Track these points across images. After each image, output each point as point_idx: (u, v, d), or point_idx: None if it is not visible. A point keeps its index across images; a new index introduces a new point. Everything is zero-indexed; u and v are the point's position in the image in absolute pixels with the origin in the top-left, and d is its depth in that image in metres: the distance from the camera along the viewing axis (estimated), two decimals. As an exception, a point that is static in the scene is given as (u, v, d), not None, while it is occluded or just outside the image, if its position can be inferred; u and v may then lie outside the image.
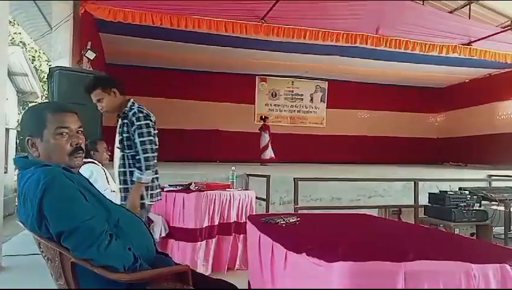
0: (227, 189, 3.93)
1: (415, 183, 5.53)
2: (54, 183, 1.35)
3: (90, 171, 3.43)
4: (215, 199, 3.64)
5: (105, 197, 1.58)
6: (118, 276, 1.34)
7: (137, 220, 1.67)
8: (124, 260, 1.37)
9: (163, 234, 3.63)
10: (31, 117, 1.55)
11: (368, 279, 1.16)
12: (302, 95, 13.45)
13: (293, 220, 1.93)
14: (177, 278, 1.48)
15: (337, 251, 1.32)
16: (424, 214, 5.24)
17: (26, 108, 1.72)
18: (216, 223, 3.63)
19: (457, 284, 1.22)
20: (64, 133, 1.51)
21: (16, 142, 13.29)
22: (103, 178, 3.54)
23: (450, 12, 9.02)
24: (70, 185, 1.38)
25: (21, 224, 1.47)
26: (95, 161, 3.62)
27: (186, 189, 3.77)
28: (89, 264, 1.34)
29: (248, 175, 6.52)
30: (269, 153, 10.33)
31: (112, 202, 1.63)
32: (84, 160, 3.40)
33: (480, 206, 4.75)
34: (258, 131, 10.73)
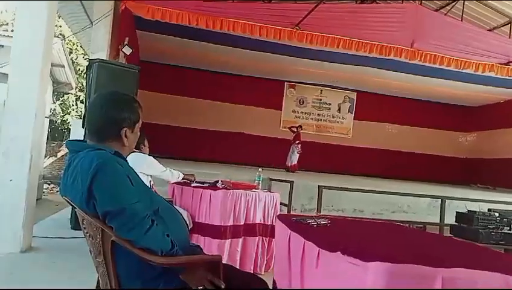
0: (253, 189, 3.95)
1: (442, 200, 5.42)
2: (105, 166, 1.43)
3: (144, 157, 3.55)
4: (241, 198, 3.66)
5: (147, 186, 1.65)
6: (155, 258, 1.42)
7: (176, 211, 1.75)
8: (162, 245, 1.44)
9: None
10: (127, 108, 1.61)
11: (405, 281, 1.15)
12: (329, 104, 13.39)
13: (323, 222, 1.94)
14: (208, 268, 1.51)
15: (373, 252, 1.31)
16: (450, 233, 5.12)
17: (106, 96, 1.61)
18: (241, 222, 3.64)
19: (497, 294, 1.20)
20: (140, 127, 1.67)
21: (48, 131, 13.71)
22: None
23: (490, 30, 8.84)
24: (120, 169, 1.46)
25: (65, 200, 1.55)
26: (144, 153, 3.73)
27: (212, 186, 3.81)
28: (129, 245, 1.40)
29: (271, 179, 6.53)
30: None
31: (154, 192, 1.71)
32: (135, 150, 3.53)
33: (510, 229, 4.62)
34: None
